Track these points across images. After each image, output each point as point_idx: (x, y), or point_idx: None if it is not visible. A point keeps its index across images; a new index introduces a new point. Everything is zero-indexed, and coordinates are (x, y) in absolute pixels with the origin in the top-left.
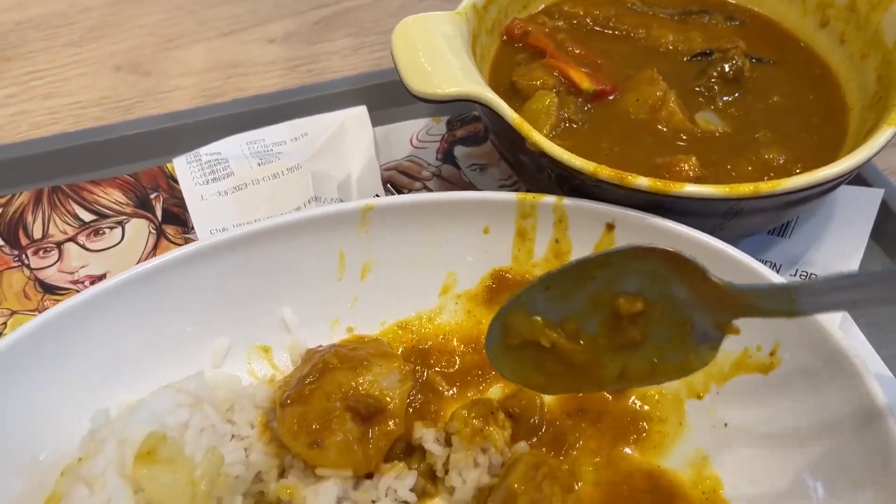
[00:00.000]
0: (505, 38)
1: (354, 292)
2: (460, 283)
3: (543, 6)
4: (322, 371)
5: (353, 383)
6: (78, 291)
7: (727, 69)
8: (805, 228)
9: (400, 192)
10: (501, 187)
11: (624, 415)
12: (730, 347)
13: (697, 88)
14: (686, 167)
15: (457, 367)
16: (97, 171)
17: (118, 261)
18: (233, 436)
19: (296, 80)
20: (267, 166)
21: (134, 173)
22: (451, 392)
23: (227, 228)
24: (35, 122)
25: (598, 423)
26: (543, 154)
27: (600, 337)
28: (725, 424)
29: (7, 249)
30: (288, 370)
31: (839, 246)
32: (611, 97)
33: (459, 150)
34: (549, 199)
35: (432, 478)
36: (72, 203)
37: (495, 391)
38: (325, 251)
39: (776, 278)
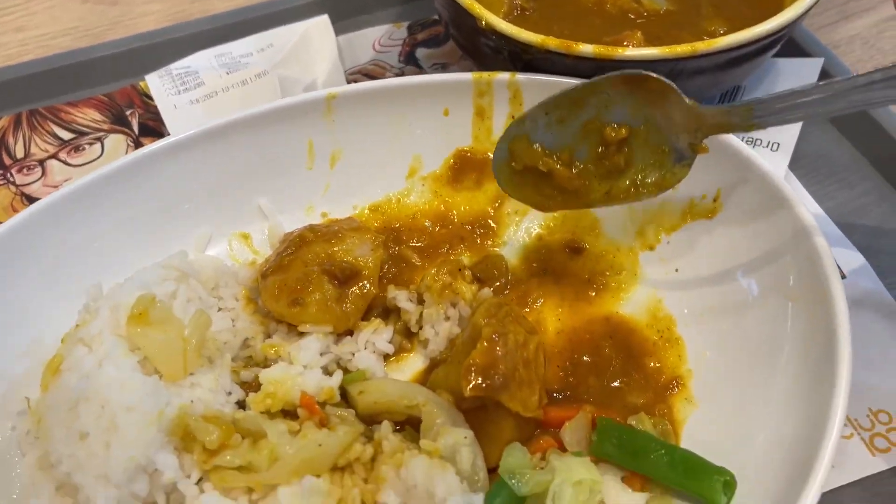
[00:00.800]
0: None
1: (326, 179)
2: (425, 166)
3: None
4: (299, 244)
5: (328, 252)
6: None
7: None
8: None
9: None
10: None
11: (583, 271)
12: (676, 198)
13: None
14: (631, 41)
15: (427, 242)
16: (73, 94)
17: None
18: (219, 308)
19: None
20: (235, 74)
21: (108, 93)
22: (422, 264)
23: None
24: (7, 55)
25: (559, 281)
26: (495, 32)
27: (591, 163)
28: (676, 270)
29: None
30: (267, 254)
31: None
32: None
33: (421, 52)
34: (504, 75)
35: (408, 335)
36: (50, 124)
37: (464, 261)
38: (295, 141)
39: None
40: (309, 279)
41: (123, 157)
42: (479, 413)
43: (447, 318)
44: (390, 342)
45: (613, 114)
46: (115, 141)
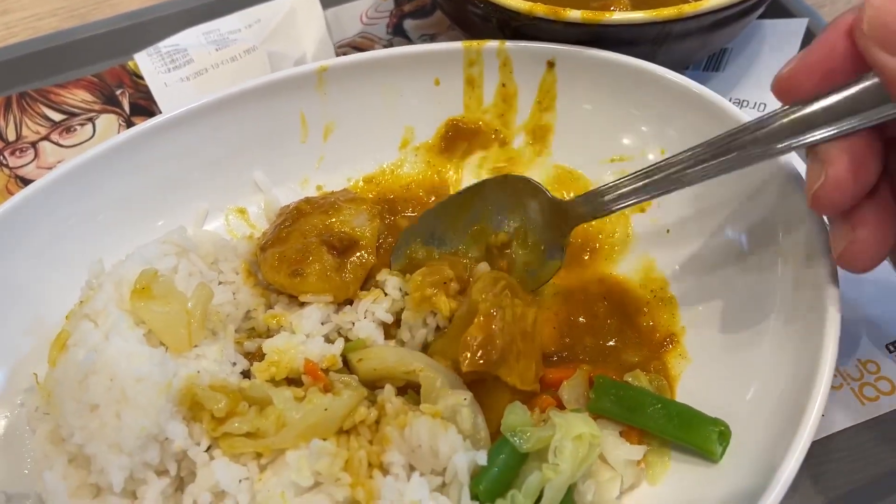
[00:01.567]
0: None
1: (320, 152)
2: (418, 136)
3: None
4: (296, 216)
5: (326, 223)
6: None
7: None
8: (737, 61)
9: None
10: None
11: (576, 235)
12: None
13: None
14: (618, 7)
15: (421, 211)
16: (62, 75)
17: None
18: (220, 282)
19: None
20: (224, 51)
21: (97, 73)
22: None
23: None
24: None
25: None
26: (483, 0)
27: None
28: (667, 231)
29: None
30: (264, 228)
31: (769, 75)
32: None
33: (409, 23)
34: (493, 43)
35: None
36: (41, 106)
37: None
38: (288, 115)
39: (705, 93)
40: (308, 250)
41: (117, 136)
42: (477, 386)
43: (425, 325)
44: (388, 311)
45: (495, 219)
46: (107, 121)
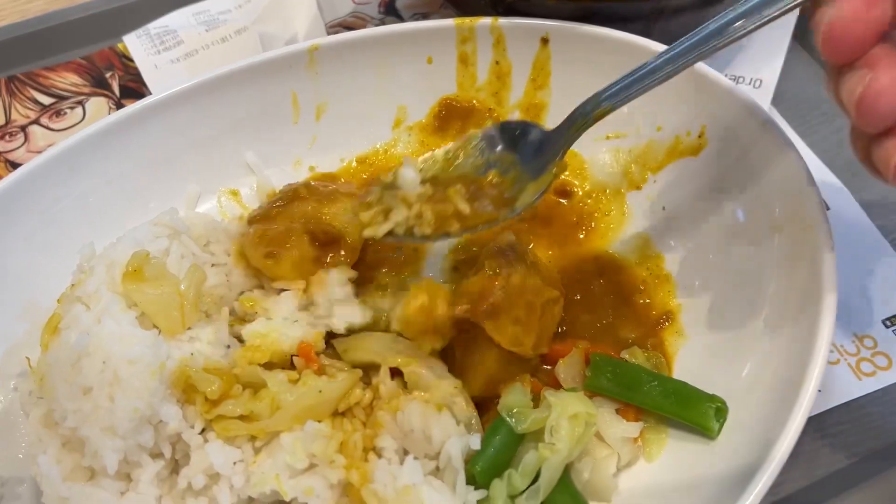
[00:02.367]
0: None
1: (312, 132)
2: (411, 115)
3: None
4: (291, 198)
5: (316, 212)
6: None
7: None
8: None
9: None
10: None
11: (571, 214)
12: (662, 137)
13: None
14: None
15: None
16: (51, 58)
17: None
18: (213, 264)
19: None
20: (214, 32)
21: (87, 56)
22: None
23: None
24: None
25: (549, 224)
26: None
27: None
28: (663, 208)
29: None
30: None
31: (764, 48)
32: None
33: (401, 2)
34: (486, 20)
35: None
36: (30, 89)
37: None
38: (279, 95)
39: (700, 69)
40: (290, 234)
41: (107, 118)
42: (464, 338)
43: None
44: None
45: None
46: (97, 104)
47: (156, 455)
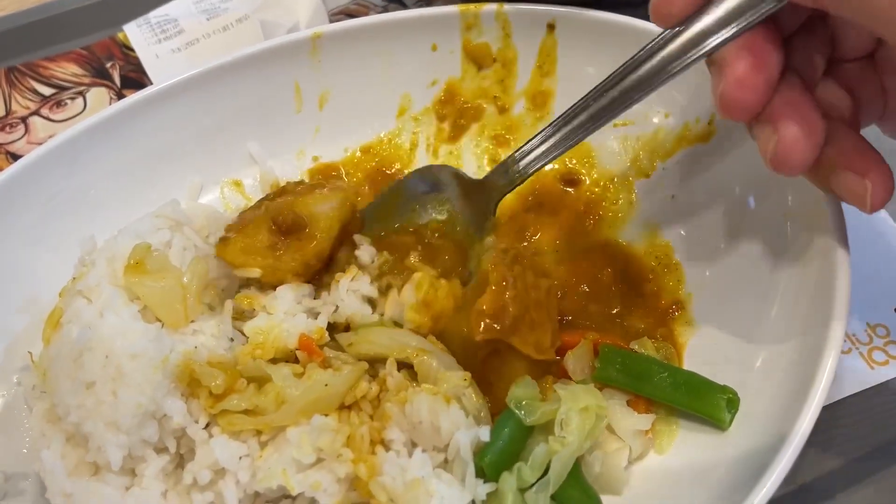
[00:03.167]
0: None
1: (316, 122)
2: (415, 104)
3: None
4: (279, 193)
5: (288, 203)
6: None
7: None
8: None
9: None
10: None
11: (579, 202)
12: (671, 125)
13: None
14: None
15: None
16: (51, 48)
17: None
18: (216, 256)
19: None
20: (215, 20)
21: (87, 46)
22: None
23: None
24: None
25: (556, 214)
26: None
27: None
28: (672, 197)
29: None
30: None
31: None
32: None
33: None
34: (491, 6)
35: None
36: (30, 80)
37: None
38: (282, 84)
39: None
40: (252, 221)
41: (108, 108)
42: (493, 359)
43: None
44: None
45: (422, 213)
46: (98, 94)
47: (160, 450)
